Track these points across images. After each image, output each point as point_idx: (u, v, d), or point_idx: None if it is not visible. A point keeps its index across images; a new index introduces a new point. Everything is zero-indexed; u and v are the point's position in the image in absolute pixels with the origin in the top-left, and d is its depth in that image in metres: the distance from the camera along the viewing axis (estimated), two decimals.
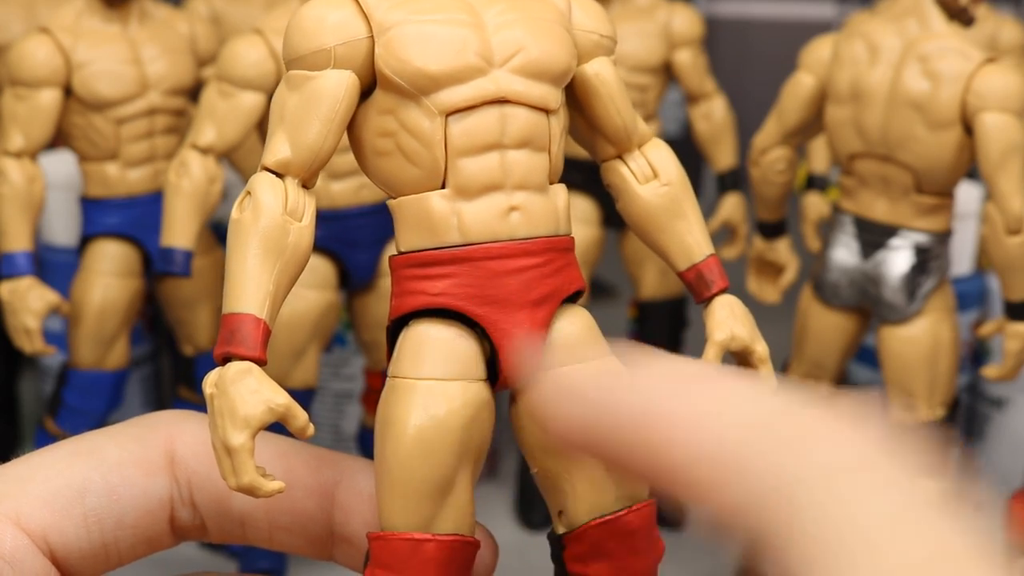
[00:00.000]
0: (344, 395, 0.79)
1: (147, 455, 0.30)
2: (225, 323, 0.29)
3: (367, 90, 0.30)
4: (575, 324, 0.31)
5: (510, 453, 0.83)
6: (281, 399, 0.28)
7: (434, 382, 0.29)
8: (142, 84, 0.63)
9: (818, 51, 0.62)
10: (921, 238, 0.60)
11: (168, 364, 0.79)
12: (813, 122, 0.63)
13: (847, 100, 0.60)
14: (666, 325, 0.75)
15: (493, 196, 0.30)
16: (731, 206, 0.73)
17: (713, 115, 0.74)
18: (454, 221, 0.30)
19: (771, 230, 0.67)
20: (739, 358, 0.34)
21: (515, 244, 0.30)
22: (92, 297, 0.64)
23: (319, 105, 0.30)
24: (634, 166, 0.34)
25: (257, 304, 0.29)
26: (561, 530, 0.31)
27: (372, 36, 0.30)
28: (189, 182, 0.58)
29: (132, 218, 0.65)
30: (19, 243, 0.61)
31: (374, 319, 0.65)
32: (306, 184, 0.31)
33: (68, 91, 0.62)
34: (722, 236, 0.73)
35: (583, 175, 0.75)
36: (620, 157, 0.34)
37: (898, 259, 0.60)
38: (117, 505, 0.29)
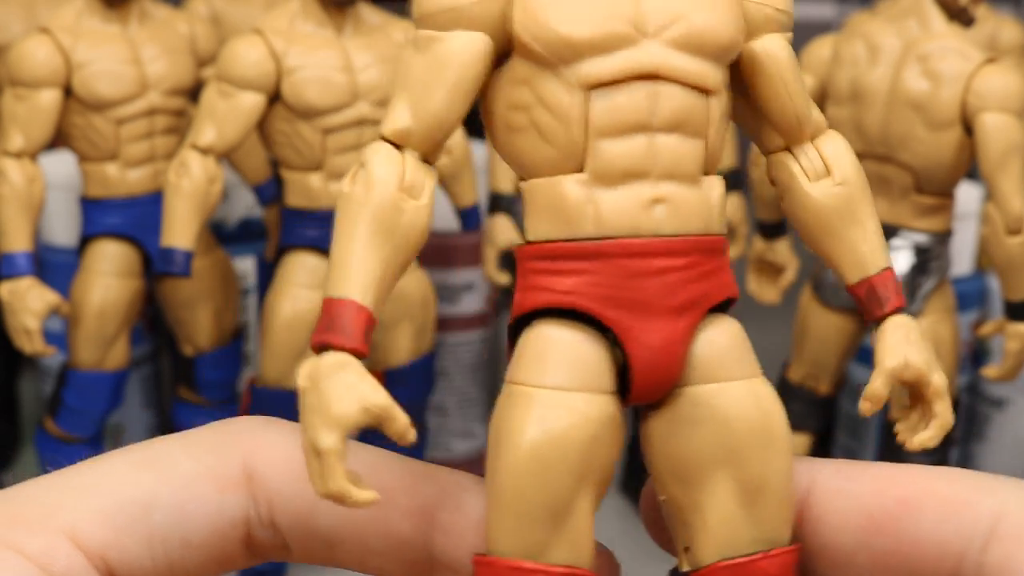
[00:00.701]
0: None
1: (223, 469, 0.27)
2: (325, 309, 0.25)
3: (501, 56, 0.27)
4: (722, 336, 0.27)
5: None
6: (380, 399, 0.24)
7: (555, 392, 0.26)
8: (142, 84, 0.63)
9: (818, 51, 0.62)
10: (921, 238, 0.60)
11: (168, 364, 0.79)
12: None
13: (847, 100, 0.60)
14: None
15: (636, 185, 0.26)
16: (731, 207, 0.73)
17: None
18: (590, 210, 0.26)
19: (771, 230, 0.67)
20: (911, 389, 0.30)
21: (658, 241, 0.26)
22: (92, 297, 0.64)
23: (445, 70, 0.26)
24: (804, 161, 0.29)
25: (360, 289, 0.25)
26: (686, 568, 0.28)
27: None
28: (189, 182, 0.58)
29: (132, 218, 0.65)
30: (19, 243, 0.61)
31: None
32: (428, 159, 0.27)
33: (68, 91, 0.62)
34: None
35: None
36: (788, 149, 0.29)
37: (898, 259, 0.60)
38: (186, 524, 0.26)
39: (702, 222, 0.27)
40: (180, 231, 0.58)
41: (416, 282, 0.66)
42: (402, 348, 0.65)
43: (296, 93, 0.59)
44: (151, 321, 0.77)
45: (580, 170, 0.26)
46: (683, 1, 0.26)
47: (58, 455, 0.65)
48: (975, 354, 0.78)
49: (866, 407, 0.29)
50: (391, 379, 0.65)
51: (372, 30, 0.62)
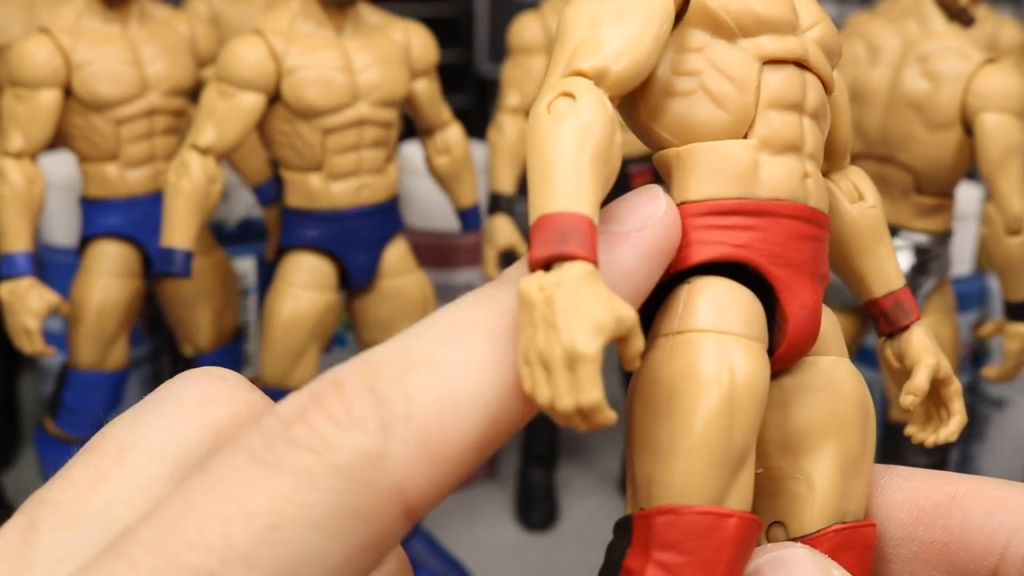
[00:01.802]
0: None
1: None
2: (548, 224, 0.24)
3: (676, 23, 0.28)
4: (831, 318, 0.29)
5: (510, 454, 0.83)
6: (631, 313, 0.23)
7: (740, 338, 0.26)
8: (142, 84, 0.63)
9: None
10: (921, 239, 0.60)
11: (168, 364, 0.79)
12: None
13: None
14: None
15: (793, 157, 0.28)
16: None
17: None
18: (762, 173, 0.27)
19: None
20: (932, 388, 0.34)
21: (810, 210, 0.28)
22: (92, 297, 0.64)
23: (640, 11, 0.26)
24: (843, 185, 0.32)
25: (590, 207, 0.24)
26: (778, 537, 0.28)
27: None
28: (189, 182, 0.58)
29: (132, 219, 0.65)
30: (19, 244, 0.61)
31: (374, 319, 0.65)
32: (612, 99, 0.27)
33: (68, 91, 0.62)
34: None
35: None
36: (826, 174, 0.32)
37: (898, 260, 0.60)
38: None
39: (827, 205, 0.29)
40: (180, 231, 0.58)
41: (416, 282, 0.66)
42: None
43: (296, 93, 0.59)
44: (151, 321, 0.77)
45: (746, 136, 0.28)
46: (817, 9, 0.29)
47: (58, 455, 0.65)
48: (975, 354, 0.78)
49: (909, 400, 0.32)
50: None
51: (372, 30, 0.62)
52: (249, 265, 0.78)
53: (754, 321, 0.27)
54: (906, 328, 0.33)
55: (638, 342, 0.23)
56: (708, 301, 0.26)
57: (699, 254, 0.27)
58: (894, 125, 0.58)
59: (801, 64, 0.28)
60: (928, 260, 0.60)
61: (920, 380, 0.32)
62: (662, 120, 0.28)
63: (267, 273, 0.72)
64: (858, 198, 0.33)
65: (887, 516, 0.28)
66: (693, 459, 0.25)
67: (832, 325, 0.29)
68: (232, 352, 0.70)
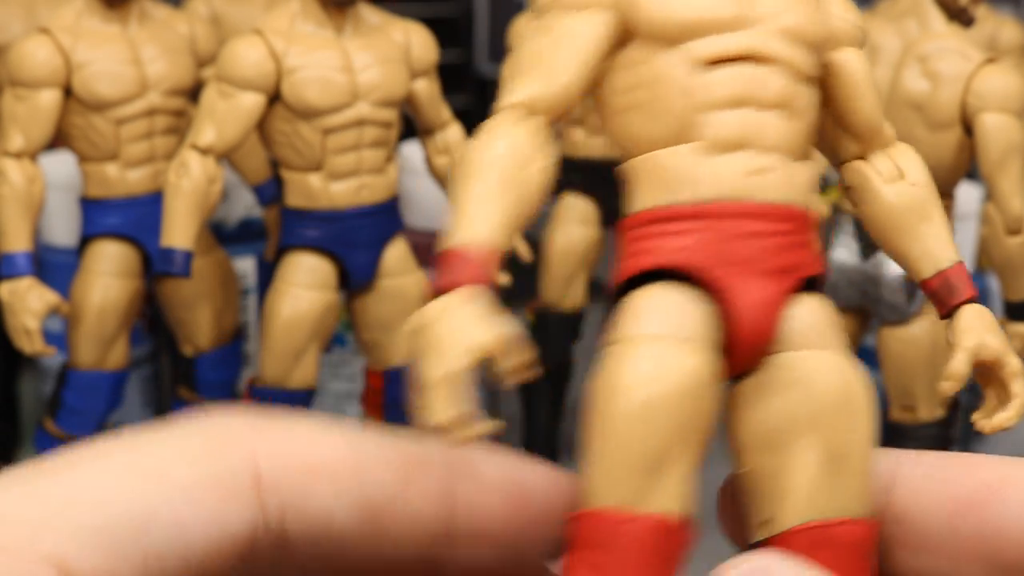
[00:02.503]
0: (344, 395, 0.79)
1: (226, 474, 0.24)
2: (444, 257, 0.26)
3: (617, 46, 0.29)
4: (813, 311, 0.28)
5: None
6: (504, 329, 0.25)
7: (663, 341, 0.26)
8: (142, 84, 0.63)
9: None
10: None
11: (168, 364, 0.79)
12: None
13: None
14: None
15: (740, 154, 0.28)
16: None
17: None
18: (698, 175, 0.28)
19: None
20: (985, 371, 0.32)
21: (756, 205, 0.28)
22: (92, 297, 0.64)
23: (573, 40, 0.28)
24: (879, 165, 0.32)
25: (486, 236, 0.26)
26: (762, 536, 0.28)
27: None
28: (189, 182, 0.58)
29: (132, 218, 0.65)
30: (19, 243, 0.61)
31: (374, 319, 0.65)
32: (553, 123, 0.29)
33: (68, 91, 0.62)
34: None
35: (583, 175, 0.75)
36: (863, 158, 0.32)
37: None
38: (185, 541, 0.23)
39: (801, 197, 0.29)
40: (180, 231, 0.58)
41: (416, 282, 0.66)
42: (402, 348, 0.65)
43: (296, 93, 0.59)
44: (151, 321, 0.77)
45: (690, 141, 0.28)
46: None
47: None
48: None
49: (948, 386, 0.31)
50: (391, 379, 0.65)
51: (372, 30, 0.62)
52: (249, 265, 0.78)
53: (688, 323, 0.27)
54: (957, 308, 0.31)
55: (507, 361, 0.25)
56: (638, 309, 0.27)
57: (637, 264, 0.28)
58: (894, 125, 0.58)
59: (758, 58, 0.28)
60: None
61: (957, 363, 0.31)
62: (617, 135, 0.29)
63: (267, 273, 0.72)
64: (899, 177, 0.32)
65: (923, 511, 0.27)
66: (606, 463, 0.26)
67: (815, 318, 0.28)
68: (232, 352, 0.70)
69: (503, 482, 0.27)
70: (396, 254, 0.65)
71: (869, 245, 0.60)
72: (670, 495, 0.26)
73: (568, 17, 0.28)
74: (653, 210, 0.28)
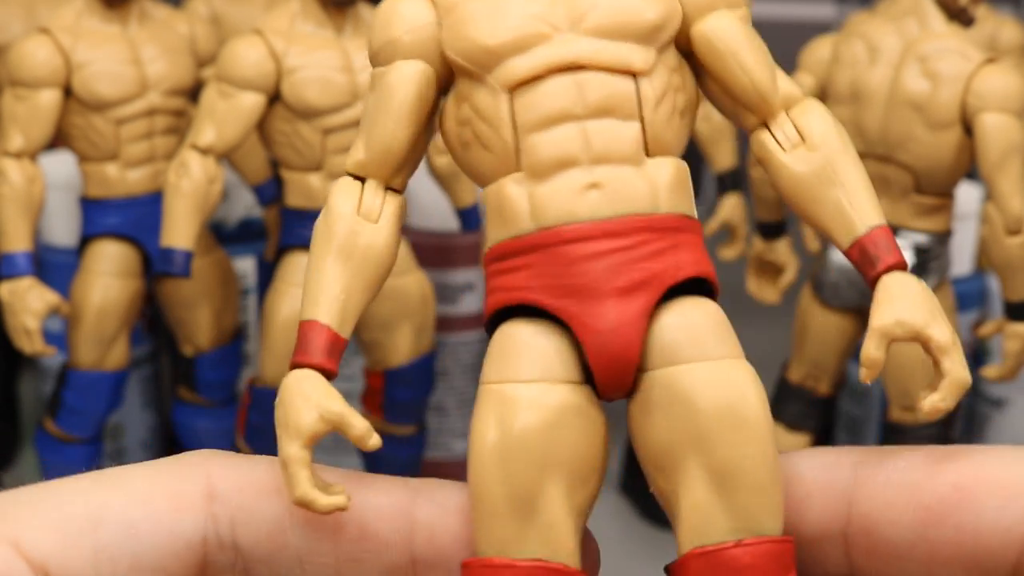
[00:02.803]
0: (344, 395, 0.78)
1: (180, 488, 0.27)
2: (299, 332, 0.28)
3: (450, 81, 0.29)
4: (687, 318, 0.26)
5: None
6: (335, 407, 0.26)
7: (513, 385, 0.26)
8: (142, 84, 0.63)
9: (818, 51, 0.62)
10: (921, 238, 0.60)
11: (168, 365, 0.79)
12: None
13: (846, 100, 0.60)
14: None
15: (569, 173, 0.27)
16: (731, 207, 0.73)
17: (713, 116, 0.74)
18: (526, 206, 0.27)
19: (771, 230, 0.67)
20: (927, 352, 0.27)
21: (594, 225, 0.26)
22: (92, 297, 0.64)
23: (389, 99, 0.28)
24: (779, 134, 0.29)
25: (323, 310, 0.27)
26: (675, 560, 0.27)
27: (439, 21, 0.28)
28: (189, 182, 0.58)
29: (132, 218, 0.65)
30: (19, 243, 0.61)
31: (374, 319, 0.65)
32: (391, 185, 0.29)
33: (68, 91, 0.62)
34: (722, 237, 0.73)
35: None
36: (766, 125, 0.29)
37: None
38: (136, 541, 0.26)
39: (646, 202, 0.27)
40: (180, 231, 0.58)
41: (416, 282, 0.66)
42: (402, 348, 0.65)
43: (296, 93, 0.59)
44: (151, 321, 0.77)
45: (517, 169, 0.27)
46: None
47: (58, 455, 0.65)
48: (975, 354, 0.78)
49: (864, 374, 0.27)
50: (391, 379, 0.65)
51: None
52: (249, 265, 0.78)
53: (539, 361, 0.26)
54: (876, 280, 0.27)
55: (353, 429, 0.26)
56: (491, 353, 0.27)
57: (491, 303, 0.28)
58: (894, 125, 0.58)
59: (570, 67, 0.27)
60: (928, 260, 0.60)
61: (868, 349, 0.27)
62: (465, 169, 0.29)
63: (267, 273, 0.72)
64: (800, 143, 0.29)
65: (891, 520, 0.26)
66: (478, 510, 0.26)
67: (694, 328, 0.26)
68: (232, 352, 0.70)
69: (464, 506, 0.27)
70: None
71: None
72: (547, 537, 0.26)
73: (389, 71, 0.28)
74: (498, 245, 0.28)
